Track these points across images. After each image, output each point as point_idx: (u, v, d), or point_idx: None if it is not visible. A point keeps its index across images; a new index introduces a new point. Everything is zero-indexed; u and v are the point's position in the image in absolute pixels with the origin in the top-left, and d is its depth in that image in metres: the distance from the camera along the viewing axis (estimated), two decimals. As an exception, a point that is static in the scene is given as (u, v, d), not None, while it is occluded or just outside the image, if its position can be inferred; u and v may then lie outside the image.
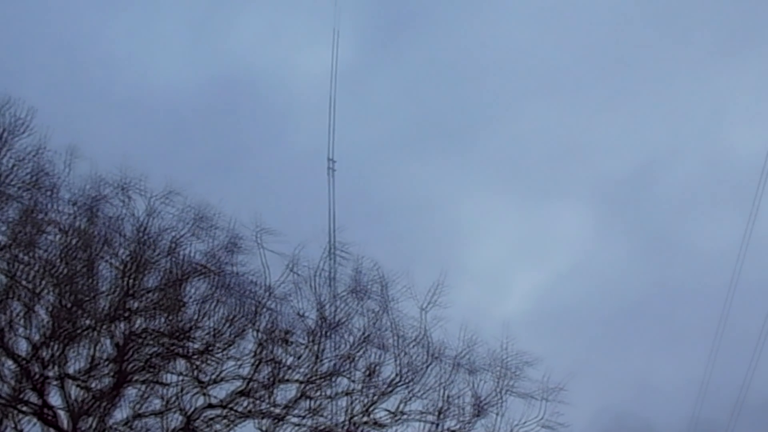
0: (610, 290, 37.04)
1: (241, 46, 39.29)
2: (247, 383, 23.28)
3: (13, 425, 22.59)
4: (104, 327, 22.87)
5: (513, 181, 40.02)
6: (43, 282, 22.64)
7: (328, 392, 23.56)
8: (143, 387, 23.40)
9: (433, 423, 23.57)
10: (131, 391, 23.27)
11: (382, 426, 23.55)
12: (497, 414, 23.54)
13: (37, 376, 22.11)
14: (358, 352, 23.61)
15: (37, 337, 22.42)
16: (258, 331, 23.49)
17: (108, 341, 22.95)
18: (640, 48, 41.03)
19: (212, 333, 23.37)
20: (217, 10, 40.17)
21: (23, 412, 22.49)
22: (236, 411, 23.29)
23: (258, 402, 23.33)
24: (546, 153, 40.68)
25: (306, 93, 34.82)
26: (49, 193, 23.27)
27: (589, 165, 41.54)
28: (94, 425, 22.21)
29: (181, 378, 23.28)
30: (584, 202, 40.35)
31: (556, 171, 40.66)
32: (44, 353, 22.34)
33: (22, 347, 22.50)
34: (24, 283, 22.56)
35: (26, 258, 22.73)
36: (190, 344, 23.44)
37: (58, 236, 23.14)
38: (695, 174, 40.63)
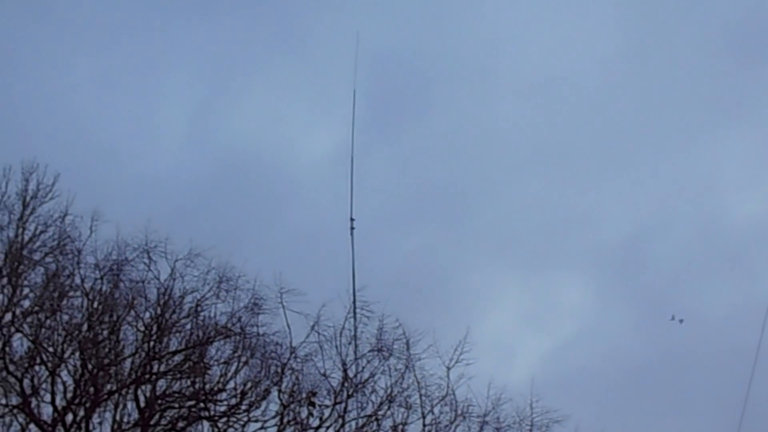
0: (615, 356, 36.98)
1: (246, 127, 40.83)
2: (273, 445, 23.06)
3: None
4: (128, 391, 22.75)
5: (513, 251, 40.30)
6: (68, 346, 22.60)
7: (354, 453, 23.31)
8: (168, 451, 23.17)
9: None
10: (156, 456, 23.02)
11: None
12: (527, 472, 23.32)
13: (61, 442, 21.83)
14: (384, 411, 23.46)
15: (61, 402, 22.21)
16: (282, 392, 23.37)
17: (132, 405, 22.79)
18: (632, 118, 42.21)
19: (236, 395, 23.27)
20: (218, 98, 41.59)
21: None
22: (262, 474, 23.01)
23: (283, 464, 23.07)
24: (543, 223, 41.15)
25: (317, 165, 35.70)
26: (73, 257, 23.43)
27: (585, 234, 41.99)
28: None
29: (206, 441, 23.07)
30: (583, 270, 40.59)
31: (555, 240, 41.05)
32: (68, 418, 22.10)
33: (47, 412, 22.29)
34: (48, 347, 22.50)
35: (51, 322, 22.74)
36: (215, 406, 23.32)
37: (82, 300, 23.20)
38: (689, 240, 41.25)
